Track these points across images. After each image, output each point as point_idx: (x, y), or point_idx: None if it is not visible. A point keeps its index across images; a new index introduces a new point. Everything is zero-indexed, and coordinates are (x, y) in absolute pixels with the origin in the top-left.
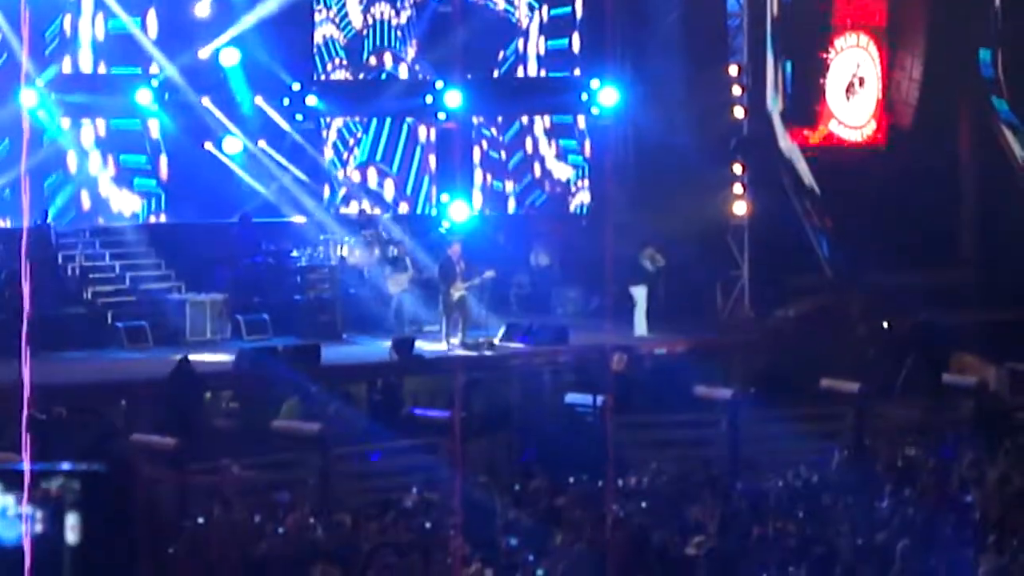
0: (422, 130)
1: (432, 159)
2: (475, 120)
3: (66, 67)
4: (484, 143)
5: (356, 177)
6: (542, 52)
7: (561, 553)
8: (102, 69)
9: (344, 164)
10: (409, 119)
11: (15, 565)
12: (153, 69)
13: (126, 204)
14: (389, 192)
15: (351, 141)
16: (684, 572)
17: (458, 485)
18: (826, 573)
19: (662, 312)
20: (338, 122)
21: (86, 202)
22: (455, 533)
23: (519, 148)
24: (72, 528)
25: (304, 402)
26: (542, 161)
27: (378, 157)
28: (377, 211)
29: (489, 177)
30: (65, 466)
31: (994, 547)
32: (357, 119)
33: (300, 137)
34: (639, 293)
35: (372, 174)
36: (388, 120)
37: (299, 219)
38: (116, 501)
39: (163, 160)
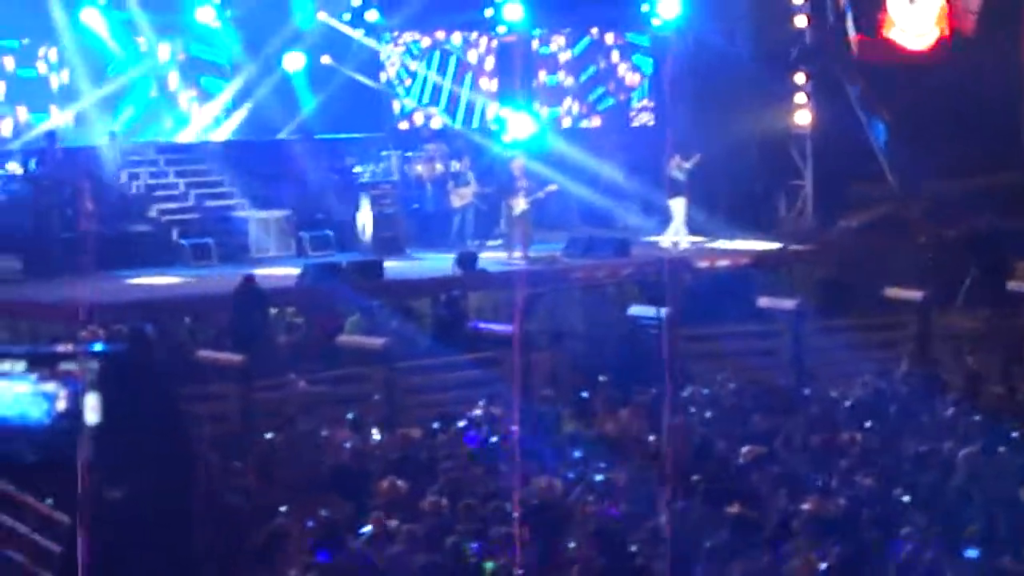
0: (472, 54)
1: (484, 82)
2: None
3: None
4: (535, 44)
5: (403, 125)
6: None
7: (623, 463)
8: None
9: (408, 91)
10: (457, 44)
11: (38, 443)
12: None
13: (200, 124)
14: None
15: (412, 66)
16: (746, 481)
17: (518, 399)
18: (890, 481)
19: (724, 222)
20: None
21: (163, 123)
22: (519, 446)
23: (591, 63)
24: (92, 408)
25: (367, 317)
26: (614, 73)
27: (425, 100)
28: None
29: (543, 74)
30: (85, 347)
31: None
32: (417, 38)
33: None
34: (675, 206)
35: (418, 117)
36: (437, 55)
37: (361, 135)
38: (135, 381)
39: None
